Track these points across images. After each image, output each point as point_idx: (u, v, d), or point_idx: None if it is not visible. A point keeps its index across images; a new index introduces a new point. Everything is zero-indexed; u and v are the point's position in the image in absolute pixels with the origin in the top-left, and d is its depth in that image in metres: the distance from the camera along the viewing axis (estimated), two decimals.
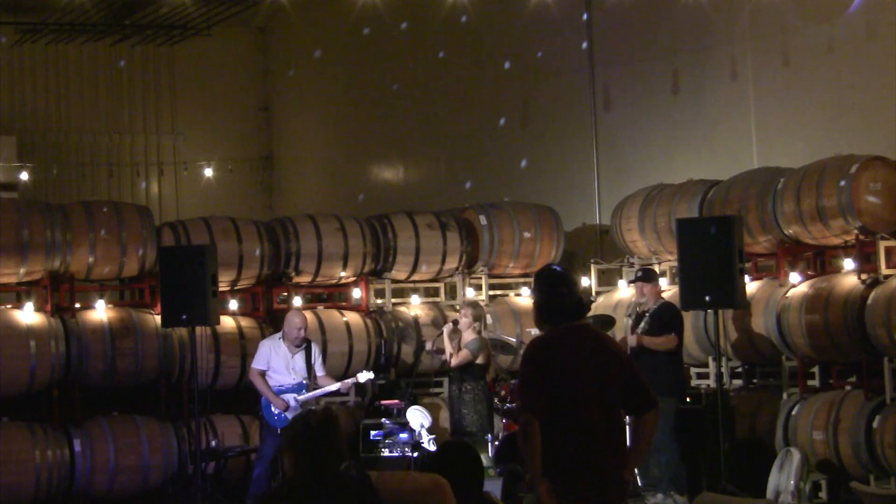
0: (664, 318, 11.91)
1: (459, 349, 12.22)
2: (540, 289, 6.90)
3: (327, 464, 5.25)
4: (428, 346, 13.23)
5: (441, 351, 12.66)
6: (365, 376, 12.24)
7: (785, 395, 12.39)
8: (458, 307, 13.97)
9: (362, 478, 5.24)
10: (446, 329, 12.37)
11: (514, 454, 11.69)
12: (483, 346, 12.40)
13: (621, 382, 6.68)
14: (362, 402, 13.82)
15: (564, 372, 6.57)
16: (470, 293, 14.43)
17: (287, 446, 5.29)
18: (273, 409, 11.92)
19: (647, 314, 12.00)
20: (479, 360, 12.31)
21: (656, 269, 13.85)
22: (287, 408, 11.85)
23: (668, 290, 13.55)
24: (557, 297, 6.77)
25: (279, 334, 12.18)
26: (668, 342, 11.76)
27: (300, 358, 12.04)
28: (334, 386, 12.06)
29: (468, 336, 12.31)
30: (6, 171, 19.87)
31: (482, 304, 13.64)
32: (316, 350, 12.21)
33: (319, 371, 12.14)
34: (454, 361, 12.21)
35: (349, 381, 12.23)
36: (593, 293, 14.47)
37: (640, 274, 12.36)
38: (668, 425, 11.46)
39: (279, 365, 12.01)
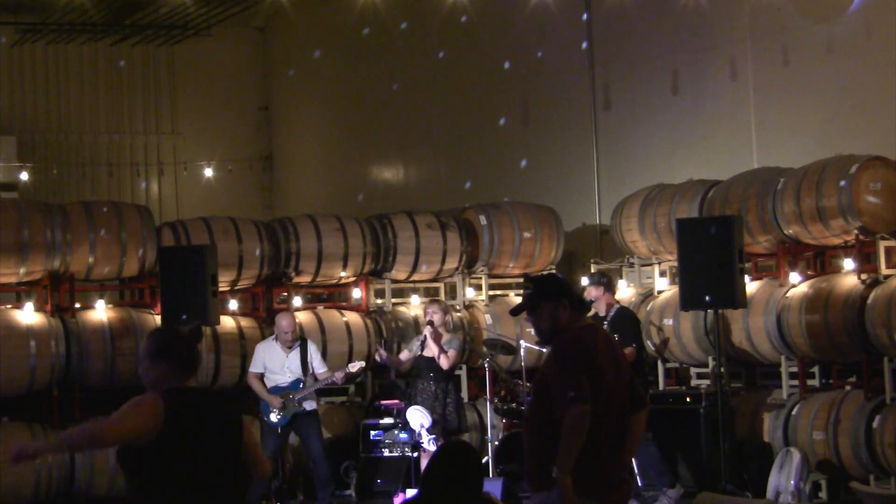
0: (622, 327, 11.88)
1: (443, 350, 12.09)
2: (559, 283, 6.95)
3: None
4: (380, 356, 12.35)
5: (384, 359, 12.27)
6: (357, 365, 12.30)
7: (785, 395, 12.39)
8: (459, 307, 13.97)
9: None
10: (429, 334, 12.18)
11: (515, 454, 11.69)
12: (462, 342, 12.38)
13: (627, 380, 6.73)
14: (362, 402, 13.83)
15: (598, 368, 6.58)
16: (470, 293, 14.43)
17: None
18: (271, 409, 12.01)
19: (604, 322, 11.95)
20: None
21: (656, 269, 13.86)
22: (283, 406, 11.98)
23: (669, 289, 13.57)
24: (570, 286, 6.90)
25: (273, 336, 12.30)
26: (630, 356, 11.74)
27: (295, 356, 12.15)
28: (329, 379, 12.10)
29: (445, 335, 12.16)
30: (6, 171, 19.86)
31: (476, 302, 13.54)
32: (312, 347, 12.27)
33: (320, 367, 12.19)
34: (448, 364, 12.06)
35: (340, 372, 12.20)
36: None
37: (602, 279, 12.32)
38: None
39: (274, 365, 12.18)
